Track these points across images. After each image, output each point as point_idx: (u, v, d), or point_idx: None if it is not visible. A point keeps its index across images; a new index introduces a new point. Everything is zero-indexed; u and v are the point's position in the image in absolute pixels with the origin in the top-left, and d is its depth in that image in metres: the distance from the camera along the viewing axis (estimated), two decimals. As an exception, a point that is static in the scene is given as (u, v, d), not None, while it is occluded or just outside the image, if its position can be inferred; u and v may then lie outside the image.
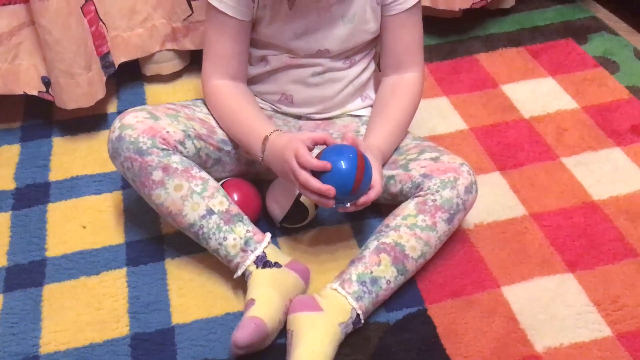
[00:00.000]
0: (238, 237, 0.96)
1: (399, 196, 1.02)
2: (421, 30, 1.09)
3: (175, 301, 1.01)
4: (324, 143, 0.94)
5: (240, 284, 0.99)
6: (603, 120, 1.30)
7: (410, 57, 1.08)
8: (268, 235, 0.98)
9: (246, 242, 0.96)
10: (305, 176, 0.90)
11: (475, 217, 1.09)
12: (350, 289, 0.93)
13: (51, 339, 0.96)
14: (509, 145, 1.25)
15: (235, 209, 0.98)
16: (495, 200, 1.14)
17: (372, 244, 0.97)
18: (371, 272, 0.94)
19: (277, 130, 0.99)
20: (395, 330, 0.95)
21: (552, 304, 0.98)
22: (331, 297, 0.92)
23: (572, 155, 1.22)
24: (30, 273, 1.05)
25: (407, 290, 0.99)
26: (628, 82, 1.39)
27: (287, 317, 0.92)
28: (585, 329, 0.94)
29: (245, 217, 0.99)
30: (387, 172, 1.02)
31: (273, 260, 0.96)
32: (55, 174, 1.23)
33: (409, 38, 1.08)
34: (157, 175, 0.96)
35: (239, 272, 0.96)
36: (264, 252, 0.96)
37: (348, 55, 1.09)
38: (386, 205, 1.06)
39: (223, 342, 0.94)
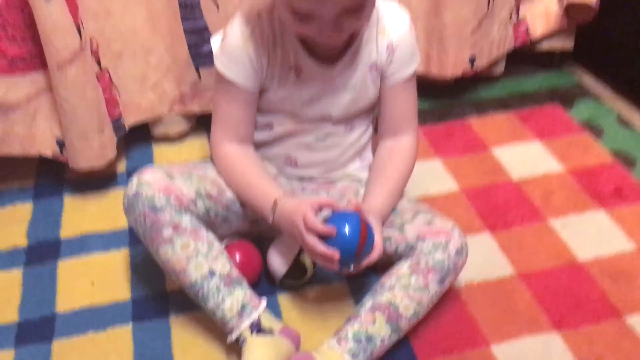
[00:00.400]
0: (236, 300, 0.99)
1: (394, 256, 1.07)
2: (416, 98, 1.15)
3: (179, 358, 1.03)
4: (330, 207, 0.99)
5: (242, 341, 1.03)
6: (588, 184, 1.35)
7: (406, 123, 1.13)
8: (264, 301, 1.02)
9: (243, 307, 0.99)
10: (313, 240, 0.95)
11: (466, 276, 1.14)
12: (346, 346, 0.96)
13: (60, 393, 0.99)
14: (499, 207, 1.31)
15: (235, 274, 1.02)
16: (485, 260, 1.19)
17: (368, 302, 1.01)
18: (366, 330, 0.98)
19: (286, 193, 1.03)
20: (389, 387, 0.99)
21: (540, 363, 1.01)
22: (328, 354, 0.96)
23: (558, 217, 1.27)
24: (41, 328, 1.09)
25: (400, 347, 1.03)
26: (612, 146, 1.45)
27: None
28: (570, 387, 0.98)
29: (245, 281, 1.02)
30: (384, 232, 1.06)
31: (267, 326, 0.99)
32: (66, 232, 1.27)
33: (404, 105, 1.12)
34: (167, 232, 0.99)
35: (233, 337, 0.99)
36: (259, 318, 0.99)
37: (348, 120, 1.13)
38: (382, 265, 1.10)
39: (225, 399, 0.97)
